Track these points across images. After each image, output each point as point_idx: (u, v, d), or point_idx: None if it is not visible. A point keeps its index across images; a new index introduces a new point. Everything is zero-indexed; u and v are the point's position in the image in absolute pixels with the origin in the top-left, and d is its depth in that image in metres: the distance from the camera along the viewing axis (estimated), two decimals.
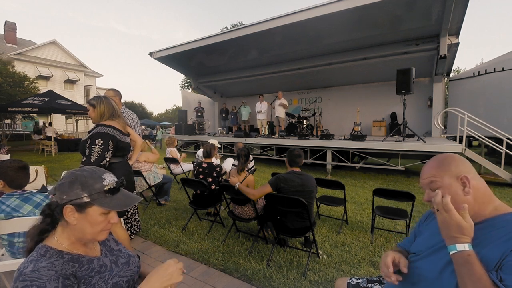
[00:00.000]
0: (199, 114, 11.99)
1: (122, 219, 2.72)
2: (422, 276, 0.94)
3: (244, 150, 3.10)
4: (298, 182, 2.41)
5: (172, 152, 5.26)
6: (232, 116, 11.99)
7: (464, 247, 0.79)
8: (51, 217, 0.85)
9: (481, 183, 0.89)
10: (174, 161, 5.11)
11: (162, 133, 16.49)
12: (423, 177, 0.95)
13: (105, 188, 0.86)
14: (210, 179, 3.29)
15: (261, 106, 9.73)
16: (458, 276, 0.79)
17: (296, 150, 2.58)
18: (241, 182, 2.79)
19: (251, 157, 3.92)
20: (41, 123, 15.78)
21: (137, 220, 3.00)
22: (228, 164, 4.53)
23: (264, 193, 2.46)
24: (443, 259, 0.90)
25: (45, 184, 2.82)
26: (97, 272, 0.87)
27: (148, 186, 3.78)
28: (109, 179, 0.90)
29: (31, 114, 14.64)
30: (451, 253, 0.81)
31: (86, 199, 0.83)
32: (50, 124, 12.17)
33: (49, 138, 11.18)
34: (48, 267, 0.75)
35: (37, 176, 2.77)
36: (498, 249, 0.77)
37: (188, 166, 5.25)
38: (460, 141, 5.48)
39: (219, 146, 4.81)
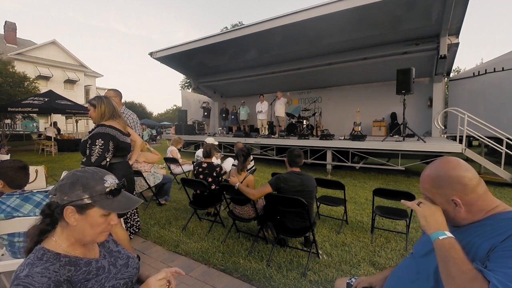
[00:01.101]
0: (206, 113, 11.95)
1: (121, 219, 2.72)
2: (420, 274, 0.95)
3: (244, 150, 3.10)
4: (298, 182, 2.41)
5: (173, 151, 5.26)
6: (232, 116, 11.98)
7: (450, 234, 0.84)
8: (51, 218, 0.85)
9: (477, 196, 0.85)
10: (174, 161, 5.11)
11: (148, 134, 16.20)
12: (420, 186, 0.97)
13: (107, 190, 0.86)
14: (210, 179, 3.29)
15: (262, 106, 9.73)
16: (441, 261, 0.81)
17: (296, 150, 2.59)
18: (241, 182, 2.79)
19: (251, 157, 3.92)
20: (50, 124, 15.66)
21: (137, 220, 3.00)
22: (228, 164, 4.53)
23: (264, 193, 2.47)
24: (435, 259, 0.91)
25: (45, 184, 2.83)
26: (94, 275, 0.86)
27: (148, 186, 3.78)
28: (111, 181, 0.89)
29: (31, 114, 14.64)
30: (441, 238, 0.83)
31: (87, 201, 0.83)
32: (51, 124, 12.18)
33: (49, 138, 11.19)
34: (42, 273, 0.75)
35: (37, 176, 2.76)
36: (488, 243, 0.79)
37: (188, 166, 5.25)
38: (460, 141, 5.48)
39: (216, 143, 4.82)
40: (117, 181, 0.92)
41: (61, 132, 14.49)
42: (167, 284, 0.91)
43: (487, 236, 0.81)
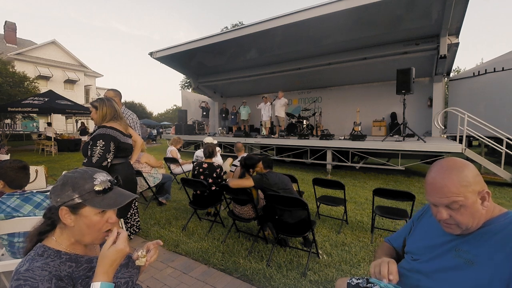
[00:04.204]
0: (205, 113, 11.95)
1: (121, 219, 2.72)
2: (421, 281, 0.93)
3: (253, 160, 2.95)
4: (275, 179, 2.66)
5: (173, 151, 5.27)
6: (232, 116, 11.99)
7: None
8: (51, 219, 0.86)
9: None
10: (174, 161, 5.11)
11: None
12: (442, 195, 0.84)
13: (95, 188, 0.85)
14: (210, 180, 3.29)
15: (265, 107, 9.75)
16: None
17: (269, 157, 3.02)
18: None
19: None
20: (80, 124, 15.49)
21: (137, 220, 3.00)
22: (227, 163, 4.53)
23: (244, 184, 2.64)
24: (443, 264, 0.89)
25: (45, 184, 2.82)
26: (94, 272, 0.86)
27: (148, 186, 3.79)
28: (101, 179, 0.88)
29: (31, 114, 14.63)
30: None
31: (77, 200, 0.82)
32: (49, 124, 12.17)
33: (49, 138, 11.18)
34: (42, 267, 0.75)
35: (37, 176, 2.76)
36: (509, 265, 0.77)
37: (188, 166, 5.25)
38: (460, 141, 5.47)
39: (215, 142, 4.85)
40: (109, 178, 0.91)
41: (87, 129, 14.45)
42: (144, 251, 0.95)
43: (492, 249, 0.80)
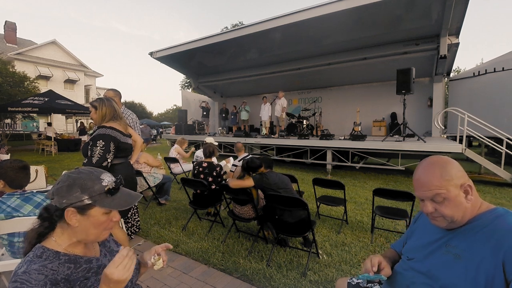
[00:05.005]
0: (205, 113, 11.94)
1: (121, 219, 2.72)
2: (416, 278, 0.95)
3: (255, 162, 2.87)
4: (276, 179, 2.67)
5: (177, 148, 5.29)
6: (232, 116, 11.99)
7: None
8: (49, 221, 0.85)
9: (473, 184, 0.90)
10: (174, 160, 5.12)
11: None
12: (426, 189, 0.88)
13: (105, 189, 0.86)
14: (210, 179, 3.30)
15: (265, 108, 9.76)
16: None
17: (268, 157, 3.04)
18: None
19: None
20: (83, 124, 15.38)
21: (137, 220, 3.01)
22: (228, 163, 4.53)
23: (244, 185, 2.65)
24: (435, 260, 0.91)
25: (45, 184, 2.83)
26: (94, 273, 0.86)
27: (148, 186, 3.79)
28: (108, 179, 0.89)
29: (31, 114, 14.64)
30: None
31: (87, 201, 0.83)
32: (49, 124, 12.18)
33: (49, 138, 11.19)
34: (39, 270, 0.75)
35: (37, 176, 2.76)
36: (493, 258, 0.78)
37: (188, 166, 5.26)
38: (460, 141, 5.47)
39: (216, 143, 4.85)
40: (113, 178, 0.92)
41: (87, 130, 14.39)
42: (156, 256, 0.98)
43: (478, 245, 0.82)
